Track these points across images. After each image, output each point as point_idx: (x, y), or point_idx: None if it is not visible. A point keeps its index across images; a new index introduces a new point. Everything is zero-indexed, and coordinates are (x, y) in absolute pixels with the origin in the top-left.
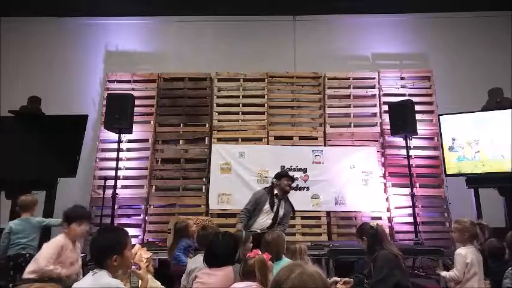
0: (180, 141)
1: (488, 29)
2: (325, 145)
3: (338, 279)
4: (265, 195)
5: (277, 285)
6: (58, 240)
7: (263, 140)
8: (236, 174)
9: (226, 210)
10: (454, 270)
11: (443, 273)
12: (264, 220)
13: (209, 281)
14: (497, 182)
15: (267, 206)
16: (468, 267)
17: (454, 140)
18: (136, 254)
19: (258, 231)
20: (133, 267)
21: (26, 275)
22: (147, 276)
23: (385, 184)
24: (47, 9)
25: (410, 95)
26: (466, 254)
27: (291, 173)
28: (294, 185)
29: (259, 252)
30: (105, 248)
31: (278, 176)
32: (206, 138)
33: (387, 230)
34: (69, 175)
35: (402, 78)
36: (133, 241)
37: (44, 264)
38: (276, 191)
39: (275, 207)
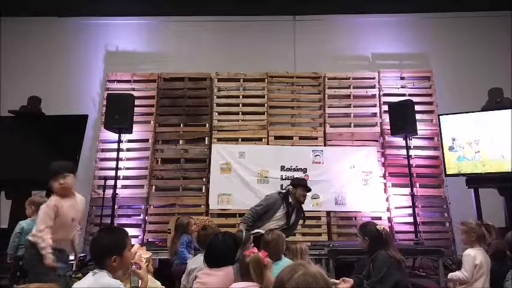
0: (180, 141)
1: (488, 29)
2: (325, 145)
3: (337, 281)
4: (279, 202)
5: (281, 285)
6: (47, 205)
7: (263, 140)
8: (236, 174)
9: (226, 210)
10: (463, 271)
11: (450, 275)
12: (273, 226)
13: (209, 281)
14: (497, 182)
15: (279, 214)
16: (477, 269)
17: (454, 140)
18: (135, 254)
19: (262, 231)
20: (133, 267)
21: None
22: (147, 277)
23: (385, 184)
24: (47, 9)
25: (410, 95)
26: (475, 255)
27: (291, 173)
28: None
29: (256, 250)
30: (104, 249)
31: (294, 184)
32: (206, 138)
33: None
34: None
35: (402, 78)
36: (134, 241)
37: (40, 228)
38: (290, 199)
39: (288, 216)
